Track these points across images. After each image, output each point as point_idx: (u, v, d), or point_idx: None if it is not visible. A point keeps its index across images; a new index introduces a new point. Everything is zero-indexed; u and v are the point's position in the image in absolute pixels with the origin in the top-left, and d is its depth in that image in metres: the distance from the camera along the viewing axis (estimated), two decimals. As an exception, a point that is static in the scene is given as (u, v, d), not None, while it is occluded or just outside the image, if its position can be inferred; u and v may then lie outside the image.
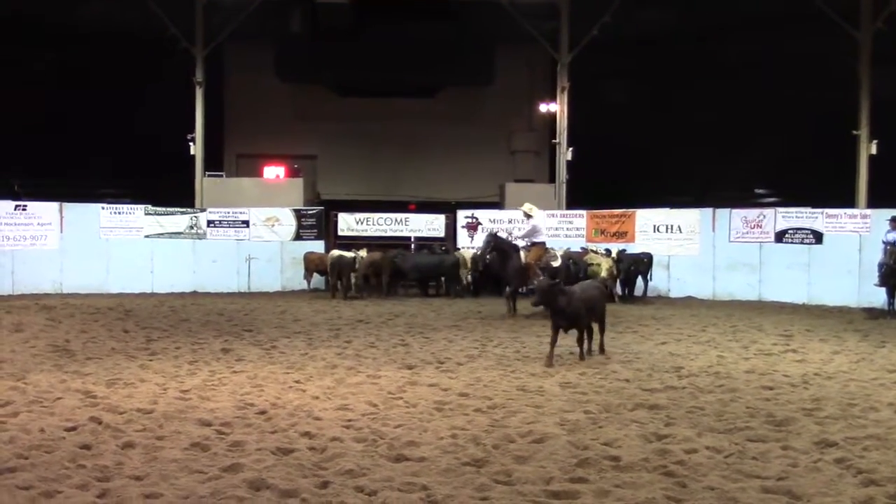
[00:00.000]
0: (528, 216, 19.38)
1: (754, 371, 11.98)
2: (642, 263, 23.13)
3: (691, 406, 9.58)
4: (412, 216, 27.95)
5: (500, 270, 19.93)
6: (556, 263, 18.60)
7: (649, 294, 23.51)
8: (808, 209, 23.03)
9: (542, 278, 13.74)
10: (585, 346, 12.92)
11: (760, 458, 7.48)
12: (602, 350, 13.31)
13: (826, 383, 10.92)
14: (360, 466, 7.12)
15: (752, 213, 24.02)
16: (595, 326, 13.26)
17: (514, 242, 19.52)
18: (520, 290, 19.82)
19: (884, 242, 19.71)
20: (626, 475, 6.97)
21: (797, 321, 18.37)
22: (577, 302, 12.49)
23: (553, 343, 12.54)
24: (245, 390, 10.34)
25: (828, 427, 8.57)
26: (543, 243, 19.09)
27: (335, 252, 24.45)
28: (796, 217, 23.06)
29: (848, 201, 24.00)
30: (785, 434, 8.33)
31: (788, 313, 20.16)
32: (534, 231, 19.11)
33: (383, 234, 27.08)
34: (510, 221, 26.22)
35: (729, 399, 9.98)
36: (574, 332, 12.84)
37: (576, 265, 21.36)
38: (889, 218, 20.03)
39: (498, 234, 20.26)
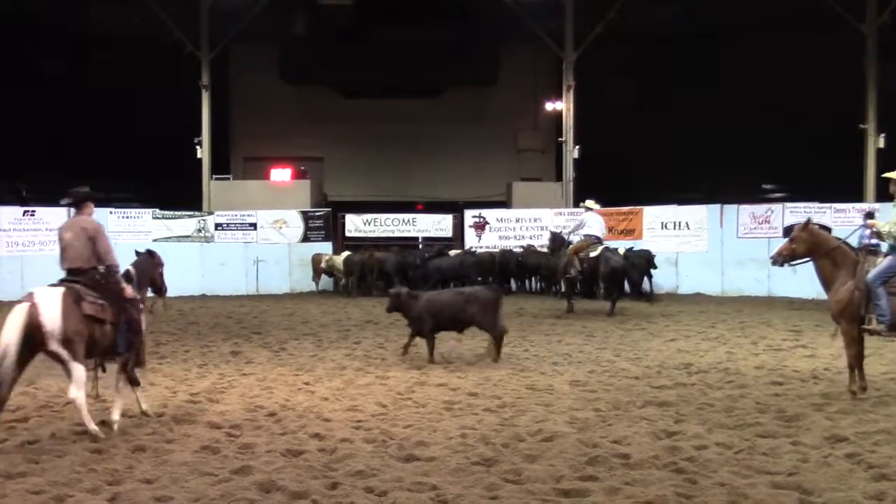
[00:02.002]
0: (589, 210, 19.60)
1: (764, 367, 11.97)
2: (644, 260, 22.96)
3: (701, 403, 9.56)
4: (419, 216, 27.95)
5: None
6: (594, 254, 18.64)
7: (648, 291, 23.35)
8: (817, 204, 22.99)
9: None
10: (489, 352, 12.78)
11: (771, 454, 7.45)
12: (494, 358, 12.54)
13: (836, 378, 10.88)
14: (369, 467, 7.12)
15: (759, 209, 24.00)
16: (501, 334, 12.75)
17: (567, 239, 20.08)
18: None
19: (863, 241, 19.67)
20: (636, 472, 6.95)
21: (806, 316, 18.31)
22: (422, 309, 12.58)
23: (407, 344, 12.94)
24: (254, 393, 10.35)
25: (838, 422, 8.54)
26: (595, 237, 19.04)
27: (346, 253, 24.77)
28: (804, 212, 22.94)
29: (856, 195, 23.95)
30: (795, 429, 8.30)
31: (797, 309, 20.09)
32: (580, 225, 19.39)
33: (391, 234, 27.08)
34: (517, 220, 26.25)
35: (738, 395, 9.96)
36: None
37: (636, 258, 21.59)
38: (865, 214, 19.96)
39: (561, 232, 20.50)
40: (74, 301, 8.13)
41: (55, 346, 7.95)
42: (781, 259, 10.30)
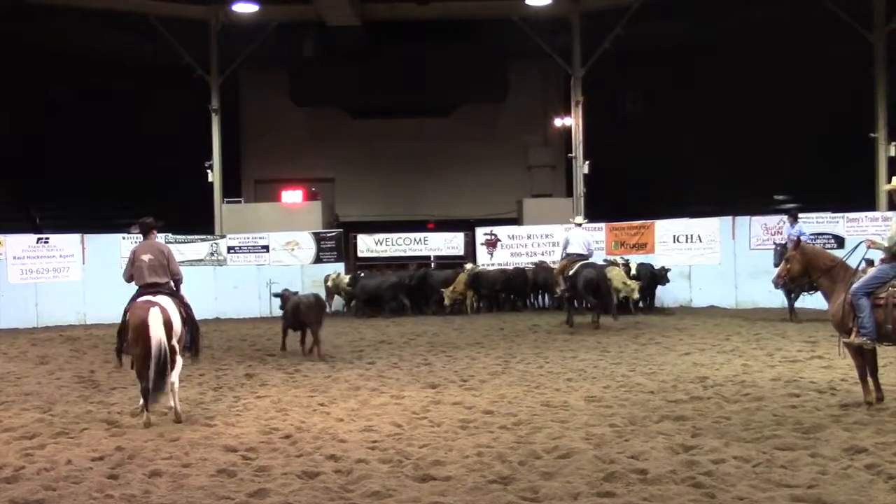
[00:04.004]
0: (578, 225, 19.86)
1: (780, 379, 11.89)
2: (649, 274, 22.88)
3: (717, 416, 9.52)
4: (431, 235, 27.91)
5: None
6: (571, 272, 18.79)
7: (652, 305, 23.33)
8: (829, 214, 22.86)
9: None
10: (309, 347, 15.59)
11: (789, 467, 7.40)
12: (311, 352, 15.41)
13: (853, 388, 10.78)
14: (386, 488, 7.10)
15: (772, 220, 23.85)
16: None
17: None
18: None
19: (777, 245, 19.87)
20: (654, 488, 6.91)
21: (822, 327, 18.16)
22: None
23: (301, 341, 15.84)
24: (270, 415, 10.35)
25: (857, 433, 8.48)
26: (579, 255, 19.09)
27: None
28: (817, 222, 22.85)
29: (868, 205, 23.81)
30: (813, 441, 8.25)
31: (812, 319, 19.96)
32: (566, 244, 19.48)
33: (403, 254, 27.09)
34: (529, 237, 26.25)
35: (755, 408, 9.91)
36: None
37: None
38: (789, 214, 20.05)
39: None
40: (178, 306, 10.13)
41: (174, 342, 9.90)
42: (781, 281, 10.47)
